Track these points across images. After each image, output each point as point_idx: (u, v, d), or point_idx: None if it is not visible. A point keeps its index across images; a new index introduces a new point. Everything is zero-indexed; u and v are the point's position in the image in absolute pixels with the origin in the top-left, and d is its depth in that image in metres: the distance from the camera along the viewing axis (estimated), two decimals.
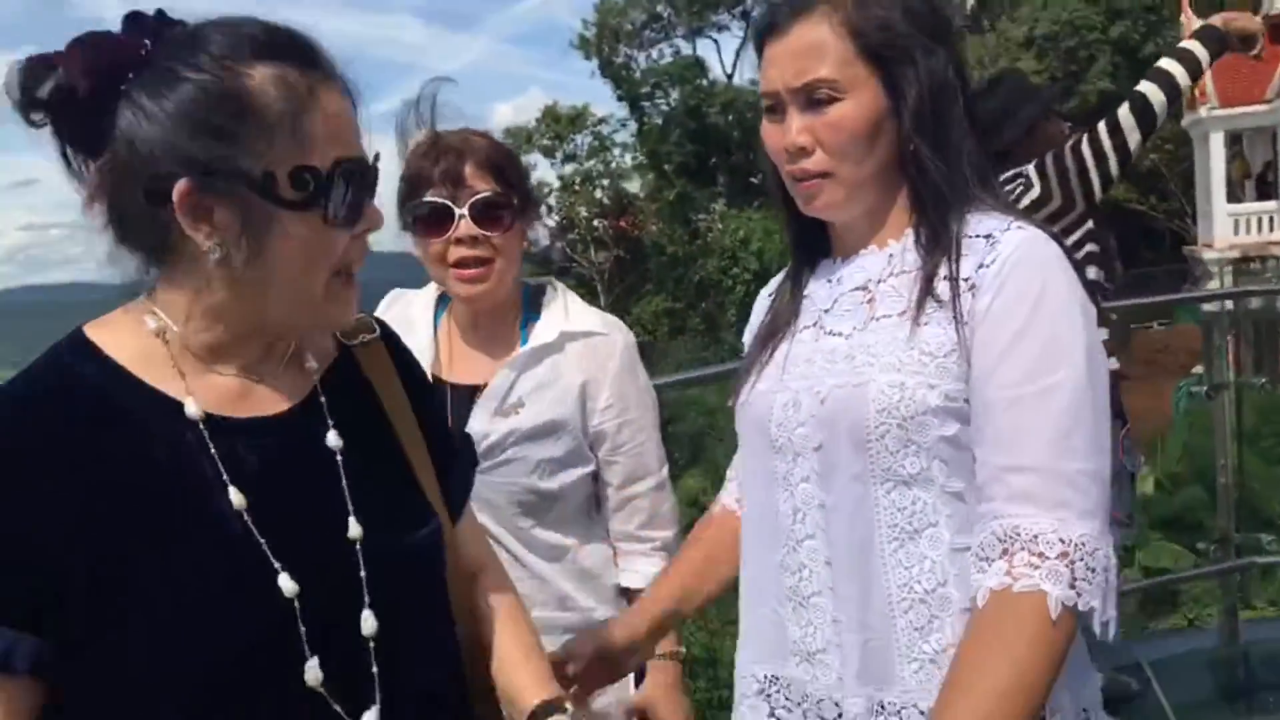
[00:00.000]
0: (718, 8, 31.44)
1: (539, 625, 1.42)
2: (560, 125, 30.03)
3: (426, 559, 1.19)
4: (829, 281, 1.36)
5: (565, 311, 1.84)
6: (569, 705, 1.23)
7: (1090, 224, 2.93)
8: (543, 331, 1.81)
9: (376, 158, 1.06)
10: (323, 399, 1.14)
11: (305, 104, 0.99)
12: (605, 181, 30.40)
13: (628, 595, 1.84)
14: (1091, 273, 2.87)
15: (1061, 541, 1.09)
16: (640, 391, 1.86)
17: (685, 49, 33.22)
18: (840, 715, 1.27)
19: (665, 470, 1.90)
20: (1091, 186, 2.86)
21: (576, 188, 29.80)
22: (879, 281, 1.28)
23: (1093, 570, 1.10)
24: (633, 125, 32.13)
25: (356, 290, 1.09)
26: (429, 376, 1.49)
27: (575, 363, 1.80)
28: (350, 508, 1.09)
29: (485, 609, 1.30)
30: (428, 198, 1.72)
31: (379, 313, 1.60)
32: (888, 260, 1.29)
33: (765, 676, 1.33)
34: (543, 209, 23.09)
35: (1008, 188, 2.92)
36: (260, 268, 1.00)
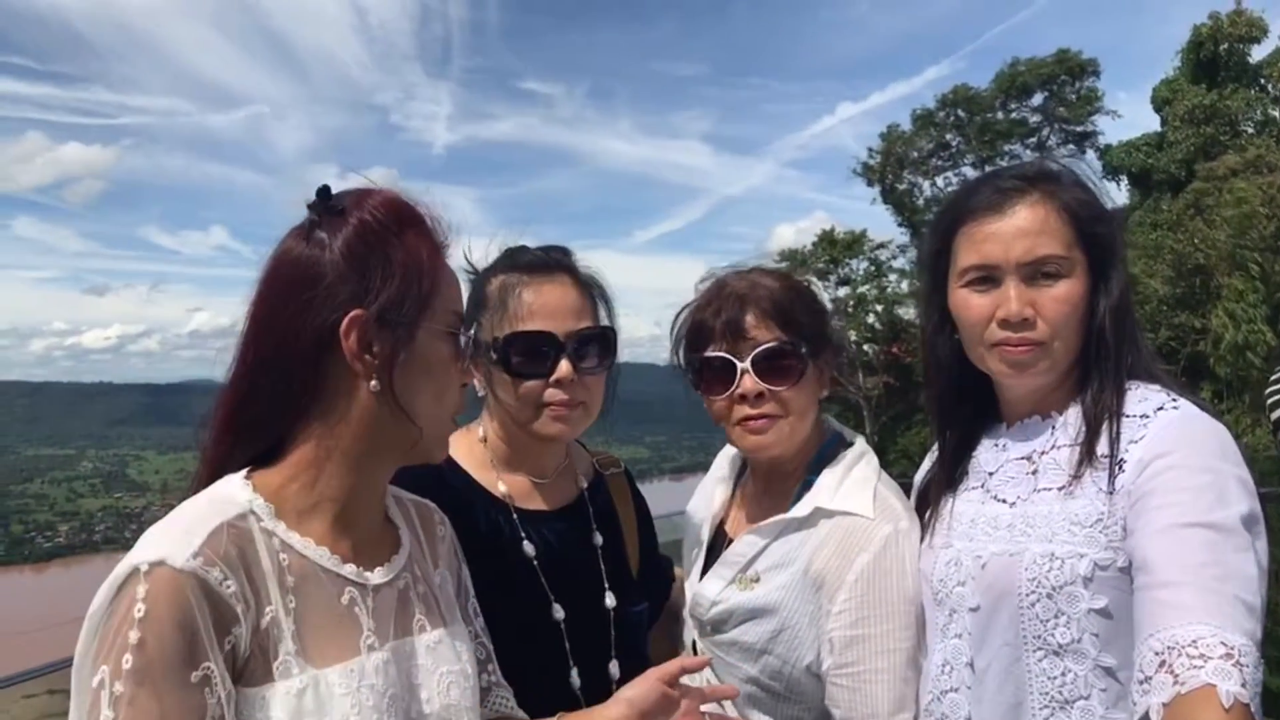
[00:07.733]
0: (1010, 137, 30.56)
1: None
2: (835, 250, 30.11)
3: (644, 628, 1.68)
4: (996, 446, 1.42)
5: (838, 481, 1.53)
6: None
7: None
8: (806, 500, 1.53)
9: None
10: (590, 507, 1.65)
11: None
12: (879, 307, 29.92)
13: None
14: None
15: (1224, 644, 1.04)
16: (891, 604, 1.41)
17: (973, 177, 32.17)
18: None
19: (908, 716, 1.41)
20: None
21: (850, 311, 29.56)
22: (1042, 453, 1.34)
23: (1255, 682, 1.03)
24: (912, 251, 31.62)
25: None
26: (715, 524, 1.70)
27: (819, 546, 1.47)
28: (606, 585, 1.59)
29: None
30: (709, 352, 1.55)
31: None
32: (1050, 431, 1.35)
33: None
34: None
35: None
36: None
